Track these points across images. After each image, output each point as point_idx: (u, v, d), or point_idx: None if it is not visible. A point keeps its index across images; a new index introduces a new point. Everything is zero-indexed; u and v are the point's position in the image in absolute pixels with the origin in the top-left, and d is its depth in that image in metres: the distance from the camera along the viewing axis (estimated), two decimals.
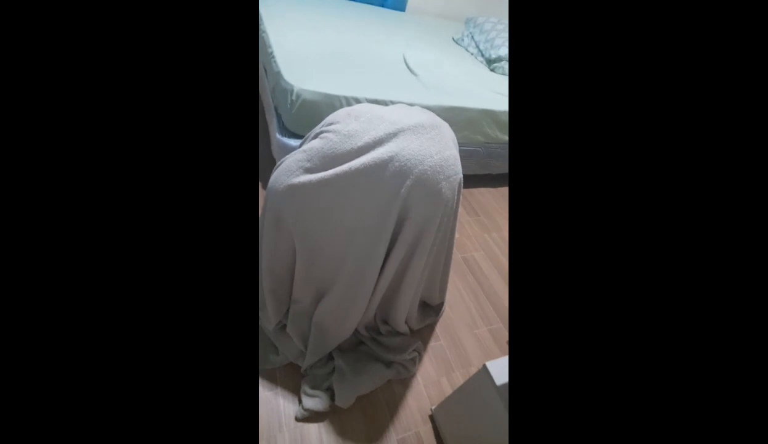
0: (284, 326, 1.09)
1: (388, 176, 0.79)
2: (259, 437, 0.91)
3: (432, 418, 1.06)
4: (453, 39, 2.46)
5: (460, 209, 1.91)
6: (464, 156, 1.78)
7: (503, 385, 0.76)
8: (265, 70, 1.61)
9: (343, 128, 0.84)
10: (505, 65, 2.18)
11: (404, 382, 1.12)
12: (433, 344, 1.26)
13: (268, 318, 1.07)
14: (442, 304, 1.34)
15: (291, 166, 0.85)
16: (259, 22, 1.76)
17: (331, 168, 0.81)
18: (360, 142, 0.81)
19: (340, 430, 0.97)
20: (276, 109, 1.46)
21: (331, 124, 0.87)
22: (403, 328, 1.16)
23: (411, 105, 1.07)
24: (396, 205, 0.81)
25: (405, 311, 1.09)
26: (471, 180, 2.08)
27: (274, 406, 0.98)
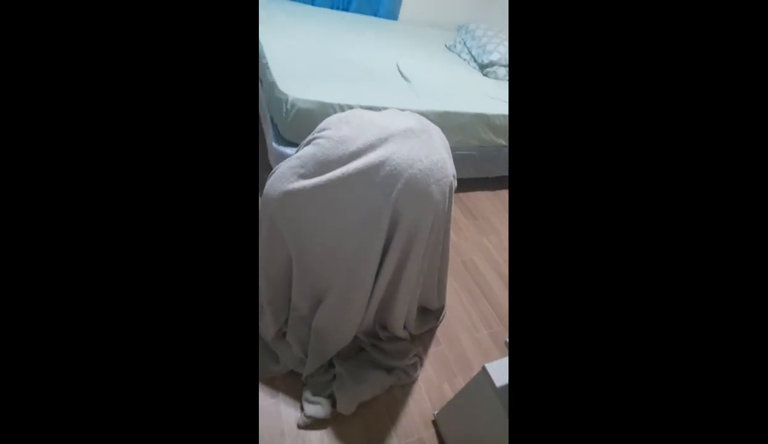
0: (284, 334, 1.08)
1: (380, 180, 0.80)
2: None
3: (435, 423, 1.05)
4: (446, 46, 2.50)
5: (457, 213, 1.92)
6: (459, 160, 1.79)
7: (503, 387, 0.76)
8: (260, 81, 1.63)
9: (335, 134, 0.85)
10: (498, 70, 2.21)
11: (406, 388, 1.11)
12: (433, 349, 1.26)
13: (267, 326, 1.07)
14: (442, 308, 1.33)
15: (285, 173, 0.86)
16: None
17: (324, 173, 0.83)
18: (352, 147, 0.82)
19: (342, 437, 0.96)
20: (271, 119, 1.48)
21: (323, 130, 0.89)
22: (403, 333, 1.15)
23: (403, 111, 1.08)
24: (387, 209, 0.81)
25: (403, 316, 1.08)
26: (467, 184, 2.09)
27: (276, 414, 0.97)
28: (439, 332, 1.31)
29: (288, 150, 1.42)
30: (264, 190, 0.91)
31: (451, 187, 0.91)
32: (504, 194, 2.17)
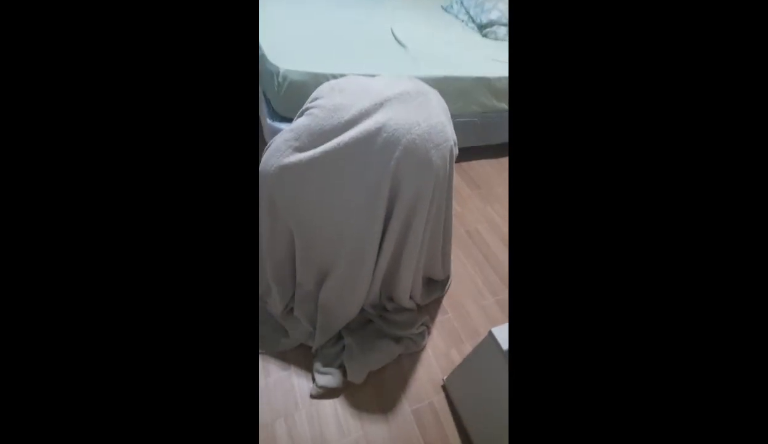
0: (291, 310, 1.10)
1: (377, 148, 0.77)
2: (269, 415, 0.94)
3: (444, 387, 1.07)
4: (442, 7, 2.37)
5: (460, 183, 1.88)
6: (460, 128, 1.74)
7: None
8: None
9: (328, 102, 0.81)
10: (498, 30, 2.10)
11: (414, 356, 1.13)
12: (440, 318, 1.27)
13: (275, 303, 1.08)
14: (447, 278, 1.33)
15: (280, 147, 0.83)
16: None
17: (320, 144, 0.80)
18: (347, 115, 0.79)
19: (355, 404, 0.99)
20: (264, 94, 1.43)
21: (315, 99, 0.85)
22: (409, 304, 1.16)
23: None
24: (387, 178, 0.79)
25: (408, 286, 1.09)
26: (469, 152, 2.04)
27: (289, 386, 1.00)
28: (445, 302, 1.32)
29: (283, 126, 1.38)
30: (260, 166, 0.88)
31: (451, 152, 0.88)
32: (507, 162, 2.12)
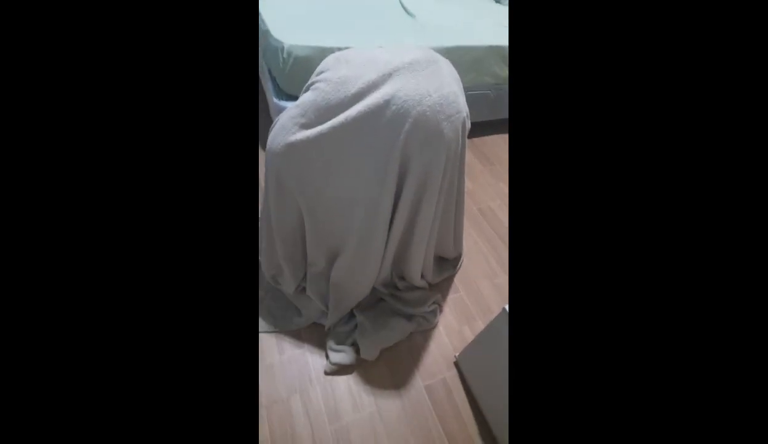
0: (304, 289, 1.11)
1: (386, 122, 0.74)
2: (285, 390, 0.96)
3: (456, 364, 1.08)
4: None
5: (472, 159, 1.83)
6: (472, 101, 1.67)
7: None
8: None
9: (333, 75, 0.78)
10: None
11: (426, 333, 1.14)
12: (452, 296, 1.26)
13: (287, 282, 1.09)
14: (459, 256, 1.32)
15: (286, 124, 0.81)
16: None
17: (327, 120, 0.77)
18: (353, 88, 0.76)
19: (368, 380, 1.01)
20: (270, 72, 1.40)
21: (321, 73, 0.82)
22: (420, 282, 1.15)
23: None
24: (397, 152, 0.76)
25: (420, 264, 1.07)
26: (482, 127, 1.97)
27: (303, 363, 1.02)
28: (457, 280, 1.31)
29: (289, 104, 1.35)
30: (267, 145, 0.87)
31: (464, 124, 0.84)
32: None
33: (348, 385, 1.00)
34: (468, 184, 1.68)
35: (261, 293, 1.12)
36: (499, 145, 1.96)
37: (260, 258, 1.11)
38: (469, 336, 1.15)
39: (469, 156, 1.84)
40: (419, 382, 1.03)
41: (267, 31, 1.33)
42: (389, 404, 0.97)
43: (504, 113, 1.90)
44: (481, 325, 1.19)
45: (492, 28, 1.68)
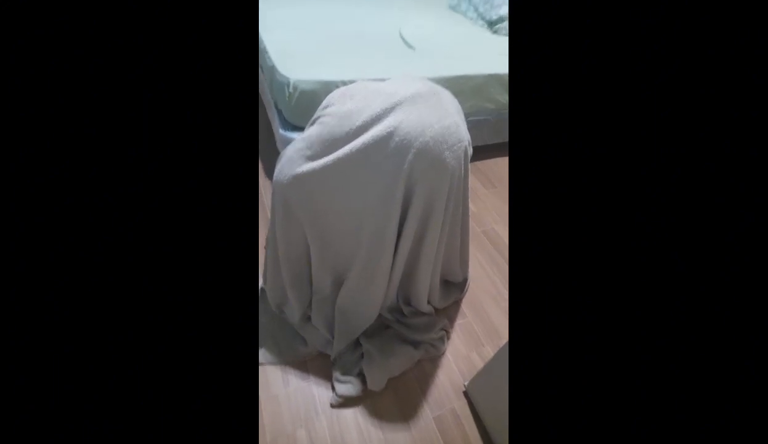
0: (309, 317, 1.10)
1: (390, 153, 0.77)
2: (290, 423, 0.94)
3: (466, 393, 1.05)
4: (449, 6, 2.35)
5: (475, 183, 1.85)
6: (474, 126, 1.71)
7: None
8: (260, 67, 1.60)
9: (338, 110, 0.81)
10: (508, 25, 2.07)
11: (434, 361, 1.11)
12: (460, 321, 1.24)
13: (292, 311, 1.09)
14: (465, 280, 1.31)
15: (293, 157, 0.84)
16: None
17: (331, 152, 0.80)
18: (358, 121, 0.79)
19: (375, 411, 0.98)
20: (276, 105, 1.45)
21: (326, 107, 0.85)
22: (427, 308, 1.14)
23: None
24: (401, 182, 0.78)
25: (426, 290, 1.07)
26: (484, 150, 2.00)
27: (309, 394, 1.00)
28: (464, 304, 1.29)
29: (295, 135, 1.40)
30: (274, 176, 0.89)
31: (465, 152, 0.86)
32: None
33: (355, 416, 0.97)
34: (472, 207, 1.69)
35: (266, 322, 1.12)
36: (501, 167, 1.99)
37: (265, 287, 1.11)
38: (478, 362, 1.12)
39: (472, 179, 1.86)
40: (428, 412, 1.00)
41: (273, 67, 1.39)
42: (397, 437, 0.94)
43: (504, 136, 1.94)
44: (489, 351, 1.16)
45: (491, 58, 1.75)
